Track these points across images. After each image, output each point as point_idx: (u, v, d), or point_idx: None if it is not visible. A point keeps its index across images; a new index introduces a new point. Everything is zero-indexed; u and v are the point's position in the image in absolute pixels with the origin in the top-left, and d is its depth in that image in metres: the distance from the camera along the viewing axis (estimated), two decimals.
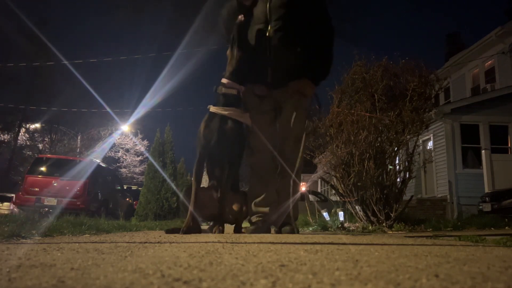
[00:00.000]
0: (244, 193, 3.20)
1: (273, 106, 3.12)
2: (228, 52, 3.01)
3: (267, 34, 2.97)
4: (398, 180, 5.36)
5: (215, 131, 2.87)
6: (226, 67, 2.98)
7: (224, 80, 2.94)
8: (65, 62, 19.07)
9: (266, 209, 3.09)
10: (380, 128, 5.29)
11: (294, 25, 3.01)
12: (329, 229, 5.00)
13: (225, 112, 2.88)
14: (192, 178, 2.99)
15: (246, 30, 3.03)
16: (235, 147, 2.97)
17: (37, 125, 26.61)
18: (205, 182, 3.16)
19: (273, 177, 3.15)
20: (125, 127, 25.96)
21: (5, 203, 16.02)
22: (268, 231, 3.10)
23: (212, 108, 2.93)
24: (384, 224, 4.96)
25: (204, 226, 3.17)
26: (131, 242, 1.84)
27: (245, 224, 3.38)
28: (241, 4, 3.04)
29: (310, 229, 5.20)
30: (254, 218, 3.12)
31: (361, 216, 5.31)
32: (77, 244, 1.74)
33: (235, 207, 3.06)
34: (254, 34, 3.04)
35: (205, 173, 3.11)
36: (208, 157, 2.99)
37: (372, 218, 5.12)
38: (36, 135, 27.50)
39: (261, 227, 3.03)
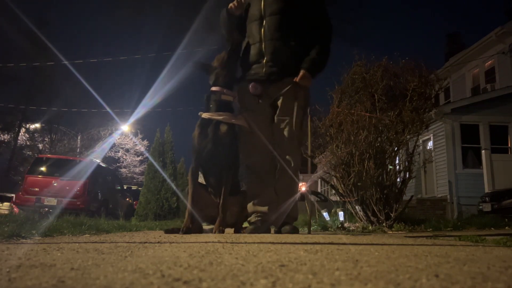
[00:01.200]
0: (244, 193, 3.19)
1: (270, 105, 3.11)
2: (215, 62, 3.03)
3: (262, 30, 3.00)
4: (398, 180, 5.36)
5: (211, 137, 2.88)
6: (215, 75, 3.00)
7: (217, 88, 2.95)
8: (65, 62, 19.10)
9: (265, 209, 3.07)
10: (380, 128, 5.29)
11: (289, 19, 3.03)
12: (329, 229, 5.00)
13: (220, 117, 2.90)
14: (189, 178, 3.00)
15: (240, 47, 3.11)
16: (232, 151, 2.98)
17: (37, 125, 26.62)
18: (202, 181, 3.16)
19: (271, 177, 3.14)
20: (125, 127, 25.96)
21: (5, 203, 16.02)
22: (268, 231, 3.09)
23: (205, 114, 2.94)
24: (384, 224, 4.96)
25: (206, 226, 3.17)
26: (131, 242, 1.84)
27: (245, 224, 3.38)
28: (232, 14, 3.08)
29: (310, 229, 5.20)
30: (253, 218, 3.11)
31: (361, 216, 5.30)
32: (77, 244, 1.74)
33: (235, 208, 3.06)
34: (250, 31, 3.07)
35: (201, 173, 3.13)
36: (204, 163, 2.98)
37: (372, 218, 5.12)
38: (36, 135, 27.51)
39: (260, 227, 3.02)
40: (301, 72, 3.03)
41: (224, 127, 2.90)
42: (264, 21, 3.02)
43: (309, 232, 3.17)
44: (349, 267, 0.99)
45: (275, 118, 3.10)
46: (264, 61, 3.01)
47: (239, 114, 3.09)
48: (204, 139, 2.90)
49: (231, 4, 3.06)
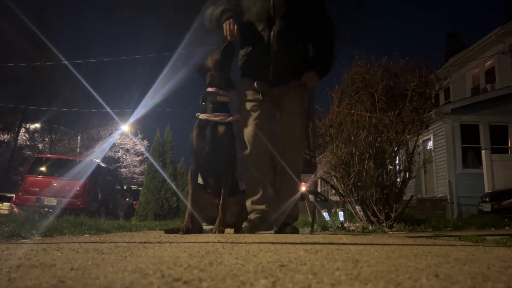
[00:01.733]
0: (243, 193, 3.19)
1: (272, 105, 3.08)
2: (209, 61, 3.01)
3: (271, 33, 2.92)
4: (398, 180, 5.36)
5: (209, 138, 2.88)
6: (210, 77, 2.98)
7: (213, 89, 2.95)
8: (65, 62, 19.10)
9: (263, 206, 3.01)
10: (380, 128, 5.29)
11: (296, 21, 2.98)
12: (329, 229, 5.00)
13: (217, 118, 2.90)
14: (188, 178, 3.01)
15: (233, 46, 3.02)
16: (231, 152, 2.98)
17: (37, 125, 26.64)
18: (201, 181, 3.16)
19: (269, 173, 3.07)
20: (125, 127, 25.97)
21: (5, 203, 16.03)
22: (269, 228, 3.06)
23: (202, 115, 2.93)
24: (384, 224, 4.96)
25: (205, 226, 3.17)
26: (131, 242, 1.84)
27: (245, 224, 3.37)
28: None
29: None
30: (252, 216, 3.06)
31: (361, 216, 5.30)
32: (77, 244, 1.74)
33: (234, 208, 3.06)
34: (255, 31, 2.96)
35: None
36: (202, 164, 2.98)
37: (372, 218, 5.12)
38: (36, 135, 27.53)
39: (258, 224, 2.95)
40: (310, 74, 3.01)
41: (222, 128, 2.90)
42: (274, 24, 2.91)
43: (311, 232, 3.16)
44: (349, 267, 0.99)
45: (279, 120, 3.08)
46: (273, 64, 2.93)
47: (236, 112, 3.06)
48: (202, 140, 2.91)
49: (227, 33, 2.86)
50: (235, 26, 2.86)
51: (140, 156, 29.61)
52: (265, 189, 3.05)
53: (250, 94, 3.04)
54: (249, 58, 3.03)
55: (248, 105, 3.03)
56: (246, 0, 3.02)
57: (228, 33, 2.86)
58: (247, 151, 3.03)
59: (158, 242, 1.85)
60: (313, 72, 3.06)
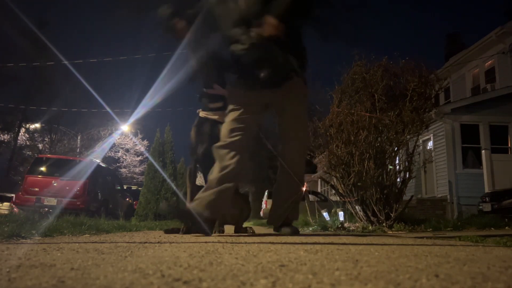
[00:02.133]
0: (243, 195, 3.20)
1: (266, 105, 3.01)
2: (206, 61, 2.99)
3: (252, 36, 2.65)
4: (398, 180, 5.36)
5: (208, 136, 2.88)
6: (205, 78, 2.95)
7: (209, 90, 2.94)
8: (65, 62, 19.09)
9: (203, 194, 2.56)
10: (380, 128, 5.29)
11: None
12: (329, 229, 5.00)
13: (215, 117, 2.91)
14: (186, 177, 3.01)
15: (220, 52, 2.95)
16: None
17: (37, 125, 26.64)
18: (200, 182, 3.16)
19: (234, 171, 2.65)
20: (125, 127, 25.98)
21: (5, 203, 16.03)
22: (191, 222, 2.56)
23: (202, 113, 2.94)
24: (384, 224, 4.96)
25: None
26: (131, 242, 1.84)
27: (246, 224, 3.38)
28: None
29: (310, 229, 5.20)
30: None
31: (361, 216, 5.30)
32: (77, 244, 1.74)
33: (235, 208, 3.06)
34: (236, 34, 2.72)
35: (200, 174, 3.11)
36: (202, 163, 2.98)
37: (372, 218, 5.12)
38: (36, 135, 27.53)
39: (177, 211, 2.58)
40: (265, 19, 2.56)
41: (219, 127, 2.90)
42: (254, 26, 2.67)
43: (291, 232, 3.02)
44: (349, 267, 0.99)
45: (280, 121, 3.06)
46: (263, 70, 2.75)
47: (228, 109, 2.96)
48: (201, 139, 2.92)
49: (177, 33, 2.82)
50: (182, 22, 2.80)
51: (140, 156, 29.67)
52: (214, 182, 2.63)
53: (236, 94, 2.89)
54: (237, 62, 2.86)
55: (233, 104, 2.85)
56: (218, 7, 2.81)
57: (177, 33, 2.82)
58: (217, 144, 2.76)
59: (158, 242, 1.85)
60: (268, 16, 2.60)
